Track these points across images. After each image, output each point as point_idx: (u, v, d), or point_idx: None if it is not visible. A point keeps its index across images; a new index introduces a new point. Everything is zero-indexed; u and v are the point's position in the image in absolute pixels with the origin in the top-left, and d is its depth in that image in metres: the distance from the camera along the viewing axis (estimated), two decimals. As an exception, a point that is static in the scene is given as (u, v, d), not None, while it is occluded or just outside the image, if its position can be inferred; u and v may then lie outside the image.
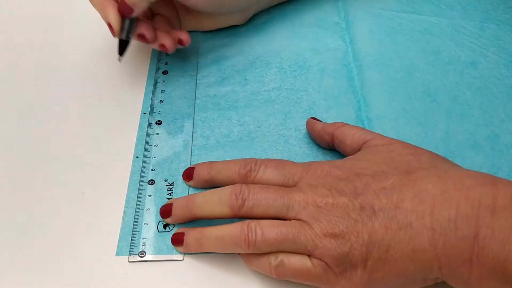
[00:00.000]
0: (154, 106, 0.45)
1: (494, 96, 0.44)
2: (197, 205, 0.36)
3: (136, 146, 0.42)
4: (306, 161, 0.38)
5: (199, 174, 0.39)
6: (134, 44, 0.50)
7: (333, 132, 0.40)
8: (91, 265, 0.36)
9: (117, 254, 0.36)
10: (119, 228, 0.38)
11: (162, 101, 0.46)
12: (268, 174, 0.36)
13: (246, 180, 0.36)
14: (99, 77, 0.48)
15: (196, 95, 0.46)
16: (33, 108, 0.46)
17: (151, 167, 0.41)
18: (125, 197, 0.39)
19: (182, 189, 0.40)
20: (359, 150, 0.38)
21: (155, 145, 0.42)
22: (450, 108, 0.44)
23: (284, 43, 0.50)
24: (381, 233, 0.31)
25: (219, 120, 0.44)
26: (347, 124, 0.40)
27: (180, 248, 0.36)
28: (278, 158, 0.42)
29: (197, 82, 0.47)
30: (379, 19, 0.51)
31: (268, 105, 0.45)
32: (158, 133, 0.43)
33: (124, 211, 0.39)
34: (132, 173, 0.41)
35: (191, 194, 0.38)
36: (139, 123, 0.44)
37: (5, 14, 0.54)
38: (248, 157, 0.41)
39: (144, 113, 0.45)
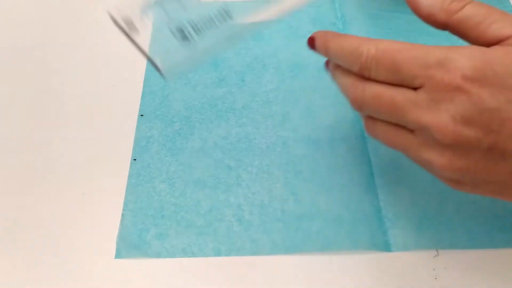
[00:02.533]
0: (152, 108, 0.45)
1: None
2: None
3: (134, 148, 0.42)
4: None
5: (318, 49, 0.34)
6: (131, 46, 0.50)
7: (447, 21, 0.31)
8: (89, 268, 0.36)
9: (116, 256, 0.36)
10: (117, 230, 0.38)
11: (160, 103, 0.45)
12: (382, 76, 0.30)
13: (361, 75, 0.31)
14: (99, 77, 0.48)
15: (193, 97, 0.46)
16: (33, 108, 0.46)
17: (150, 169, 0.41)
18: (123, 199, 0.39)
19: (180, 192, 0.40)
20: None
21: (153, 148, 0.42)
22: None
23: (281, 44, 0.50)
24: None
25: (217, 122, 0.44)
26: (469, 2, 0.30)
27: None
28: (276, 160, 0.41)
29: (194, 84, 0.47)
30: (376, 20, 0.51)
31: (266, 107, 0.45)
32: (155, 136, 0.43)
33: (123, 214, 0.38)
34: (130, 176, 0.41)
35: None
36: (137, 125, 0.44)
37: (6, 14, 0.54)
38: (246, 159, 0.41)
39: (142, 115, 0.45)
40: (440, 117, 0.27)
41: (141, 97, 0.46)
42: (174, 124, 0.44)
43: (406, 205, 0.38)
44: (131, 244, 0.37)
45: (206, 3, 0.33)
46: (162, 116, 0.44)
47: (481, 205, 0.38)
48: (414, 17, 0.51)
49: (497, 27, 0.28)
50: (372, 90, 0.30)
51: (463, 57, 0.27)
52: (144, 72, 0.48)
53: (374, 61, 0.29)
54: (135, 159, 0.42)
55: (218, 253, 0.37)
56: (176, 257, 0.36)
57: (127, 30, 0.30)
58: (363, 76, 0.30)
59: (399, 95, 0.29)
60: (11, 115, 0.45)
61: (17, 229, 0.38)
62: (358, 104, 0.31)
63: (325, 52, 0.33)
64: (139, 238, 0.37)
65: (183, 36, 0.31)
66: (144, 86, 0.47)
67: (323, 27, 0.51)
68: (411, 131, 0.30)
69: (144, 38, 0.32)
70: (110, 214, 0.39)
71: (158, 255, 0.36)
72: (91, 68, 0.49)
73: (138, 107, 0.45)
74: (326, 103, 0.45)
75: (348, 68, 0.32)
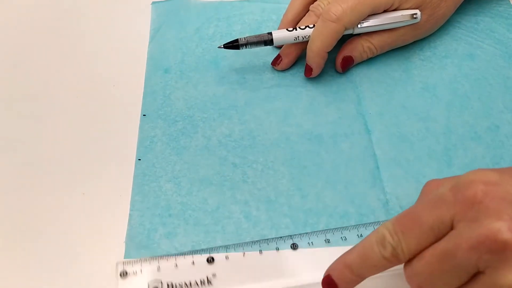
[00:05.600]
0: (154, 108, 0.45)
1: (492, 87, 0.45)
2: None
3: (137, 148, 0.42)
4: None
5: (342, 278, 0.31)
6: (132, 46, 0.50)
7: None
8: (97, 269, 0.36)
9: (126, 257, 0.36)
10: (124, 231, 0.38)
11: (162, 103, 0.45)
12: (414, 240, 0.28)
13: (397, 260, 0.29)
14: (99, 77, 0.48)
15: (195, 96, 0.46)
16: (34, 109, 0.45)
17: (155, 169, 0.41)
18: (129, 199, 0.39)
19: (186, 190, 0.40)
20: None
21: (157, 147, 0.42)
22: (449, 101, 0.44)
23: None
24: None
25: (220, 120, 0.44)
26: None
27: None
28: (281, 156, 0.41)
29: (196, 82, 0.47)
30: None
31: (267, 103, 0.45)
32: (159, 135, 0.43)
33: (130, 214, 0.38)
34: (135, 176, 0.40)
35: None
36: (140, 125, 0.44)
37: (6, 14, 0.54)
38: (251, 156, 0.41)
39: (144, 115, 0.44)
40: (500, 225, 0.26)
41: (143, 97, 0.46)
42: (177, 123, 0.44)
43: (413, 198, 0.38)
44: (140, 244, 0.37)
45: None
46: (165, 116, 0.44)
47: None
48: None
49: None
50: (420, 260, 0.28)
51: (469, 174, 0.28)
52: (144, 71, 0.48)
53: (399, 231, 0.29)
54: (139, 159, 0.41)
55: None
56: (185, 255, 0.36)
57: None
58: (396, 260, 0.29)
59: (447, 242, 0.27)
60: (12, 116, 0.45)
61: (22, 230, 0.38)
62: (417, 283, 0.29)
63: (350, 272, 0.31)
64: (148, 237, 0.37)
65: None
66: (145, 86, 0.47)
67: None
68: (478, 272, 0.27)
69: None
70: (116, 214, 0.39)
71: (167, 254, 0.36)
72: (91, 68, 0.48)
73: (140, 107, 0.45)
74: (328, 99, 0.45)
75: (375, 264, 0.30)
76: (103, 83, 0.47)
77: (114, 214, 0.39)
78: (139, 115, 0.44)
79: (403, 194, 0.39)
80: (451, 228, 0.28)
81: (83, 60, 0.49)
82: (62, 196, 0.40)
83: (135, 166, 0.41)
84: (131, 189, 0.40)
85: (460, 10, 0.49)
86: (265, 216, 0.38)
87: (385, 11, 0.44)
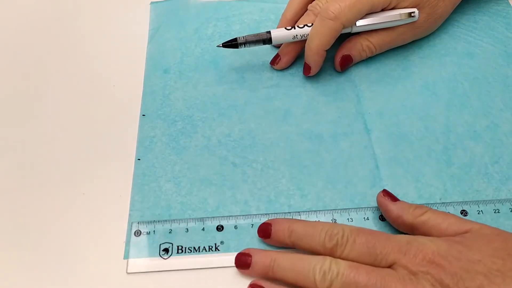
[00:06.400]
0: (154, 108, 0.45)
1: (491, 86, 0.45)
2: (281, 269, 0.34)
3: (137, 148, 0.42)
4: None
5: (278, 235, 0.36)
6: (131, 46, 0.50)
7: (412, 222, 0.35)
8: (98, 269, 0.36)
9: (125, 257, 0.36)
10: (125, 231, 0.38)
11: (162, 103, 0.45)
12: (357, 251, 0.33)
13: (331, 254, 0.33)
14: (98, 77, 0.48)
15: (195, 96, 0.46)
16: (34, 109, 0.45)
17: (155, 169, 0.41)
18: (129, 199, 0.39)
19: (186, 190, 0.40)
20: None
21: (157, 147, 0.42)
22: (449, 100, 0.44)
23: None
24: None
25: (219, 120, 0.44)
26: (429, 210, 0.35)
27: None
28: (280, 156, 0.42)
29: (195, 82, 0.47)
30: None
31: (267, 102, 0.45)
32: (158, 135, 0.43)
33: (130, 214, 0.38)
34: (135, 176, 0.40)
35: (274, 256, 0.34)
36: (139, 125, 0.44)
37: (6, 14, 0.54)
38: (250, 155, 0.41)
39: (143, 115, 0.44)
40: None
41: (142, 97, 0.46)
42: (177, 123, 0.44)
43: (413, 198, 0.39)
44: (139, 244, 0.37)
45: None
46: (164, 116, 0.44)
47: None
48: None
49: (455, 225, 0.34)
50: (354, 270, 0.32)
51: (427, 240, 0.32)
52: (143, 71, 0.48)
53: (352, 238, 0.33)
54: (139, 159, 0.41)
55: (227, 250, 0.37)
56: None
57: None
58: (330, 253, 0.33)
59: (378, 270, 0.32)
60: (12, 116, 0.45)
61: (21, 230, 0.38)
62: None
63: (288, 235, 0.35)
64: (147, 237, 0.37)
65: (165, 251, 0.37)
66: (144, 86, 0.47)
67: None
68: None
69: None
70: (116, 214, 0.39)
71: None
72: (90, 68, 0.48)
73: (140, 107, 0.45)
74: (327, 98, 0.45)
75: (312, 244, 0.34)
76: (103, 83, 0.47)
77: (114, 214, 0.39)
78: (139, 115, 0.44)
79: (403, 193, 0.39)
80: (389, 266, 0.32)
81: (83, 60, 0.49)
82: (62, 196, 0.40)
83: (135, 166, 0.41)
84: (131, 189, 0.40)
85: (458, 9, 0.50)
86: (265, 216, 0.38)
87: (383, 10, 0.44)
